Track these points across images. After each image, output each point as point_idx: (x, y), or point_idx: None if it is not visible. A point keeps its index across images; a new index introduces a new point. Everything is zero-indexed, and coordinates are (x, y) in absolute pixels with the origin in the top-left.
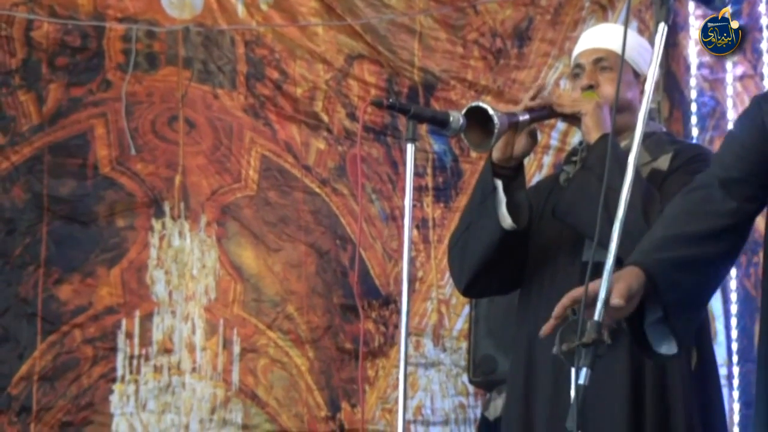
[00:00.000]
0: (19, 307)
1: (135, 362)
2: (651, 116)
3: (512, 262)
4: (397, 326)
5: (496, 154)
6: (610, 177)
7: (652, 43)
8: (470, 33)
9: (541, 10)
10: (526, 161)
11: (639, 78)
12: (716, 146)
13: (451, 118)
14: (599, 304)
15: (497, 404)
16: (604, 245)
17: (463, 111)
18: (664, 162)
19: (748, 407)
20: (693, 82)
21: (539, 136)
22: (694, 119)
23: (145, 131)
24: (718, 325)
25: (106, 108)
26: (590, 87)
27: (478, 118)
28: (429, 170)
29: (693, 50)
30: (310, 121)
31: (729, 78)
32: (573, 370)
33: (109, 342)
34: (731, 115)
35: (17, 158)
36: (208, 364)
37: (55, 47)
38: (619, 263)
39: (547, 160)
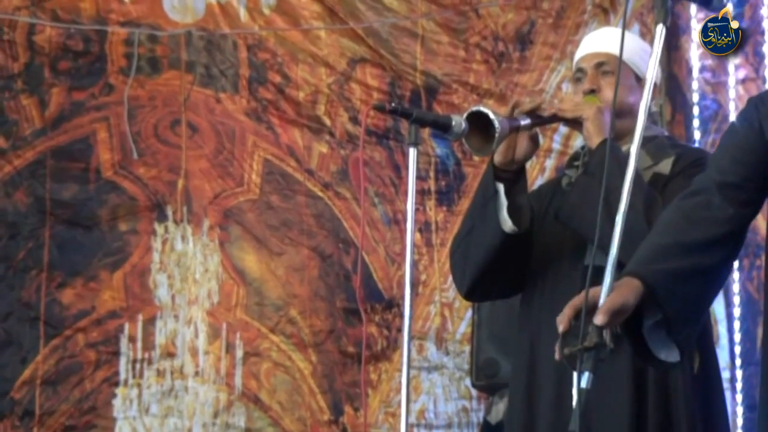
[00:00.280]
0: (22, 311)
1: (138, 366)
2: (653, 120)
3: (514, 265)
4: (400, 330)
5: (497, 157)
6: (611, 181)
7: (653, 45)
8: (472, 36)
9: (543, 13)
10: (528, 164)
11: (641, 82)
12: None
13: (453, 123)
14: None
15: (499, 408)
16: (606, 249)
17: (464, 115)
18: (665, 166)
19: (752, 410)
20: (695, 85)
21: (541, 140)
22: (696, 122)
23: (148, 135)
24: (721, 329)
25: (109, 112)
26: (592, 91)
27: (479, 123)
28: (432, 174)
29: (695, 53)
30: (313, 124)
31: (731, 81)
32: (575, 374)
33: (111, 346)
34: (733, 119)
35: (20, 162)
36: (210, 367)
37: (58, 51)
38: (620, 267)
39: (550, 163)
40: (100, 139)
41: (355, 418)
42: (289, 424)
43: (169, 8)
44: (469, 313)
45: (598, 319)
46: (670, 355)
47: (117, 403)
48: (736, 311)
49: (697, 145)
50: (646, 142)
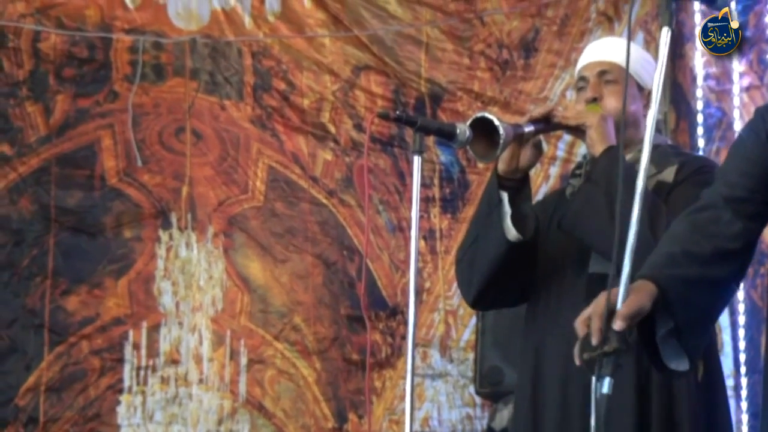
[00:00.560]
0: (27, 318)
1: (142, 373)
2: (657, 128)
3: (520, 274)
4: (404, 337)
5: (501, 166)
6: (616, 190)
7: (657, 54)
8: (477, 44)
9: (547, 21)
10: (532, 172)
11: (643, 92)
12: (722, 157)
13: (458, 131)
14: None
15: (503, 415)
16: (609, 257)
17: (469, 121)
18: (669, 174)
19: (756, 418)
20: (699, 93)
21: (545, 147)
22: (700, 130)
23: (152, 142)
24: (725, 336)
25: (113, 119)
26: (594, 100)
27: (483, 129)
28: (436, 181)
29: (699, 61)
30: (317, 132)
31: (735, 89)
32: (579, 381)
33: (116, 353)
34: (738, 126)
35: (24, 169)
36: (215, 375)
37: (63, 58)
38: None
39: (554, 170)
40: (105, 147)
41: (359, 425)
42: (293, 431)
43: (173, 15)
44: (474, 320)
45: (618, 324)
46: (680, 364)
47: (121, 410)
48: (741, 319)
49: (701, 152)
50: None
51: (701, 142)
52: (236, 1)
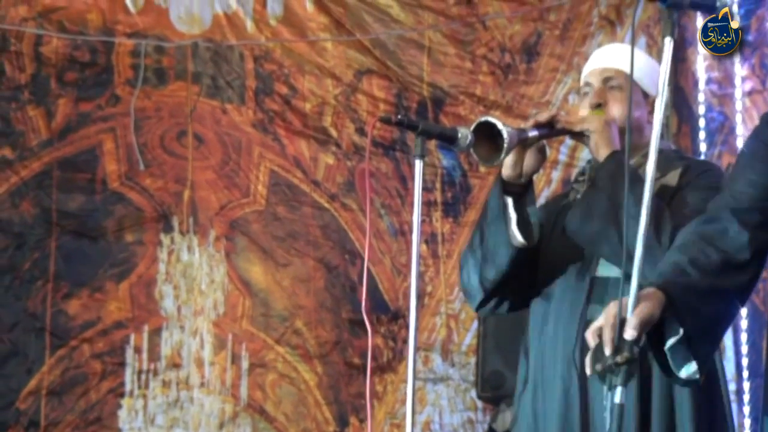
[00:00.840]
0: (28, 321)
1: (143, 377)
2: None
3: (524, 279)
4: (405, 341)
5: (505, 171)
6: (620, 195)
7: (660, 58)
8: (479, 48)
9: (549, 25)
10: (535, 176)
11: (647, 98)
12: (724, 161)
13: (460, 135)
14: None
15: (506, 417)
16: (612, 261)
17: (473, 126)
18: (673, 178)
19: (758, 423)
20: (701, 97)
21: (548, 152)
22: (702, 134)
23: (154, 146)
24: (727, 341)
25: (115, 123)
26: (598, 106)
27: (487, 133)
28: (438, 185)
29: (701, 65)
30: (319, 136)
31: (738, 93)
32: (580, 384)
33: (117, 357)
34: (740, 131)
35: (26, 173)
36: (216, 378)
37: (64, 62)
38: (628, 278)
39: (556, 175)
40: (107, 150)
41: (360, 429)
42: None
43: (175, 19)
44: (475, 324)
45: (629, 333)
46: (690, 372)
47: (122, 414)
48: (743, 323)
49: (703, 157)
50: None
51: (703, 147)
52: (238, 5)
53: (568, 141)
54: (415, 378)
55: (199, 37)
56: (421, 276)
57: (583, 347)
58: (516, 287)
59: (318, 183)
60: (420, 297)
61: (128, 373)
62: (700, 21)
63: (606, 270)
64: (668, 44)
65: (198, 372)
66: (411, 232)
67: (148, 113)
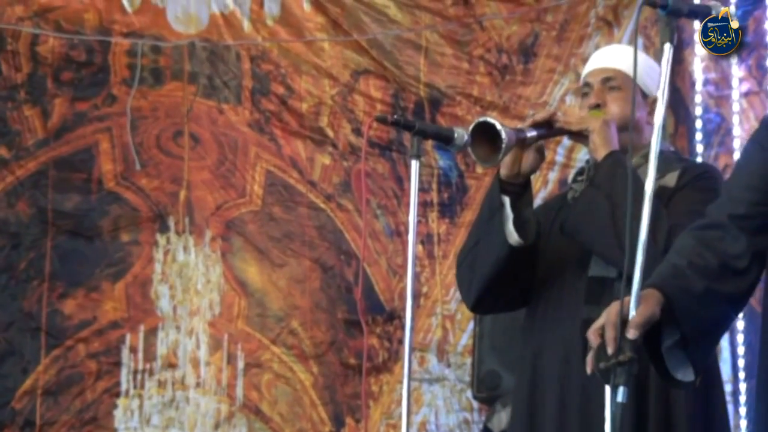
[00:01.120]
0: (24, 321)
1: (139, 377)
2: None
3: (520, 278)
4: (401, 341)
5: (503, 170)
6: (618, 195)
7: (657, 59)
8: (476, 49)
9: (546, 26)
10: (532, 177)
11: (647, 99)
12: (721, 163)
13: (456, 135)
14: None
15: (501, 417)
16: (609, 261)
17: (471, 126)
18: (671, 179)
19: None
20: (698, 98)
21: (545, 153)
22: (699, 135)
23: (150, 146)
24: (724, 342)
25: (111, 123)
26: (597, 106)
27: (485, 134)
28: (434, 186)
29: (698, 67)
30: (316, 136)
31: (735, 94)
32: (577, 384)
33: (113, 356)
34: (737, 132)
35: (22, 173)
36: (212, 379)
37: (61, 62)
38: (622, 278)
39: (553, 175)
40: (103, 150)
41: (356, 430)
42: None
43: (172, 19)
44: (471, 325)
45: (632, 333)
46: (686, 374)
47: (118, 413)
48: (739, 324)
49: (699, 158)
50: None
51: (700, 148)
52: (235, 5)
53: (566, 142)
54: (410, 378)
55: (196, 36)
56: (416, 277)
57: (585, 347)
58: (512, 287)
59: (314, 183)
60: (416, 297)
61: (124, 372)
62: (697, 22)
63: (602, 270)
64: (668, 50)
65: (194, 372)
66: (407, 232)
67: (145, 113)
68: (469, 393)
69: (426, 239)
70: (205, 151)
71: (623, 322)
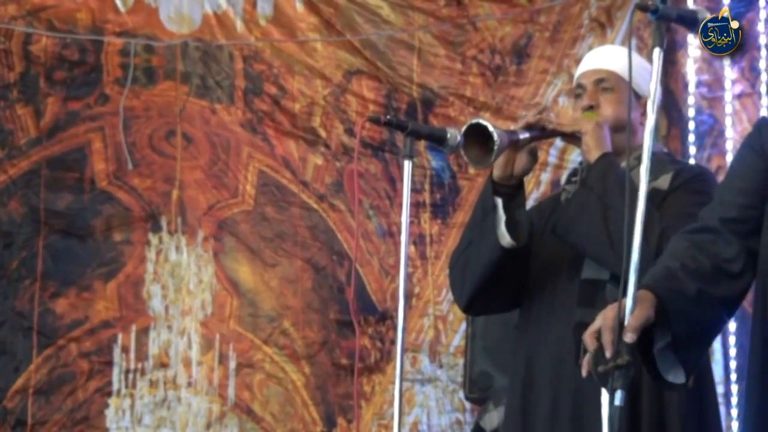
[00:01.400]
0: (15, 320)
1: (131, 376)
2: None
3: (512, 280)
4: (393, 342)
5: (496, 172)
6: (611, 196)
7: (650, 60)
8: (469, 49)
9: (539, 27)
10: (524, 179)
11: (640, 99)
12: (714, 164)
13: (449, 135)
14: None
15: (492, 416)
16: (601, 262)
17: (464, 128)
18: (664, 181)
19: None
20: (691, 100)
21: (538, 154)
22: (692, 137)
23: (143, 146)
24: (716, 343)
25: (104, 122)
26: (590, 107)
27: (478, 135)
28: (427, 186)
29: (691, 68)
30: (308, 136)
31: (728, 96)
32: (570, 386)
33: (104, 356)
34: (730, 134)
35: (14, 172)
36: (204, 378)
37: (54, 61)
38: (616, 280)
39: (546, 177)
40: (95, 149)
41: (348, 430)
42: None
43: (165, 19)
44: (463, 326)
45: (629, 336)
46: (677, 376)
47: (110, 413)
48: (731, 326)
49: (692, 160)
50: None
51: (692, 149)
52: (228, 5)
53: (558, 143)
54: (402, 379)
55: (189, 36)
56: (409, 277)
57: (578, 349)
58: (504, 288)
59: (306, 183)
60: (408, 298)
61: (115, 372)
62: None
63: (595, 272)
64: (657, 54)
65: (185, 372)
66: (399, 233)
67: (137, 112)
68: (461, 394)
69: (418, 240)
70: (197, 150)
71: (620, 325)
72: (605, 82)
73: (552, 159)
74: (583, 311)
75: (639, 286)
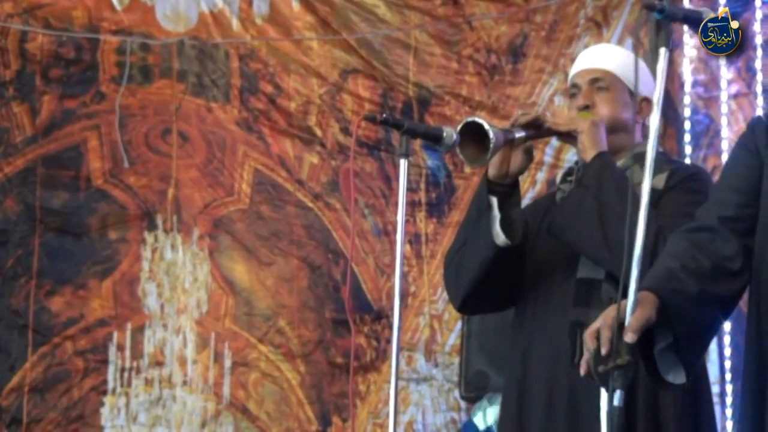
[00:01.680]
0: (11, 318)
1: (126, 375)
2: (645, 135)
3: (507, 279)
4: (389, 341)
5: (492, 171)
6: (606, 195)
7: (646, 60)
8: (465, 48)
9: (535, 26)
10: (520, 178)
11: (635, 98)
12: (710, 164)
13: (445, 134)
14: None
15: (487, 413)
16: (597, 262)
17: (459, 126)
18: (659, 181)
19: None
20: (687, 99)
21: (534, 153)
22: (687, 137)
23: (139, 144)
24: (711, 344)
25: (100, 120)
26: (586, 107)
27: (474, 134)
28: (422, 185)
29: (687, 68)
30: (304, 135)
31: (723, 96)
32: (565, 385)
33: (100, 354)
34: (725, 134)
35: (10, 170)
36: (199, 377)
37: (50, 59)
38: (612, 279)
39: (541, 176)
40: (91, 148)
41: (343, 429)
42: None
43: (161, 17)
44: (459, 325)
45: (629, 336)
46: (677, 377)
47: (105, 411)
48: (726, 326)
49: (688, 159)
50: (640, 157)
51: (688, 149)
52: (224, 4)
53: (554, 142)
54: (398, 378)
55: (185, 35)
56: (404, 276)
57: (573, 349)
58: (499, 287)
59: (302, 182)
60: (403, 297)
61: (111, 370)
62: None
63: (591, 272)
64: (663, 54)
65: (181, 370)
66: (395, 232)
67: (133, 111)
68: (456, 393)
69: (414, 239)
70: (193, 149)
71: (620, 325)
72: (600, 81)
73: (548, 158)
74: (578, 310)
75: (640, 287)
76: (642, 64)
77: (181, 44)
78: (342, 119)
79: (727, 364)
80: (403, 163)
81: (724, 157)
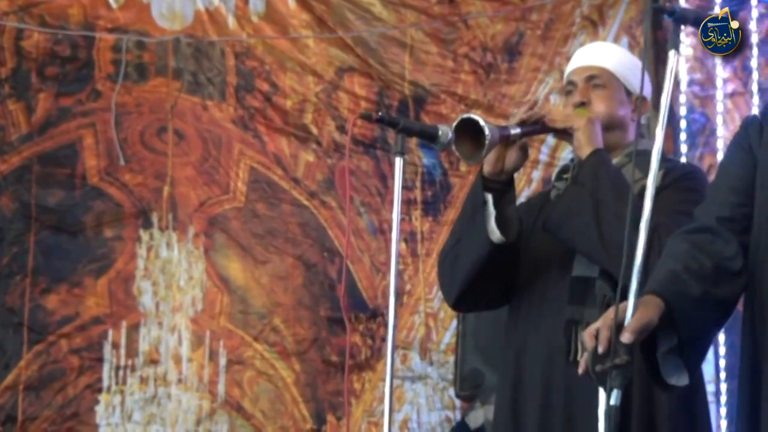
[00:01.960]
0: (6, 316)
1: (121, 373)
2: (641, 133)
3: (502, 276)
4: (384, 339)
5: (487, 168)
6: (602, 193)
7: (641, 57)
8: (461, 47)
9: (531, 25)
10: (515, 176)
11: (631, 96)
12: (706, 163)
13: (440, 132)
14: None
15: (478, 414)
16: (592, 259)
17: (455, 122)
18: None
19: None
20: (683, 98)
21: (529, 151)
22: (683, 136)
23: (134, 142)
24: None
25: (95, 118)
26: (582, 104)
27: (469, 130)
28: (418, 184)
29: (683, 67)
30: (300, 133)
31: (719, 95)
32: (560, 384)
33: (95, 352)
34: (721, 132)
35: (6, 167)
36: (194, 375)
37: (45, 57)
38: (608, 277)
39: (537, 174)
40: (87, 146)
41: (337, 427)
42: None
43: (157, 15)
44: (454, 323)
45: (626, 336)
46: (680, 379)
47: (100, 409)
48: None
49: (684, 158)
50: (636, 155)
51: (684, 148)
52: (220, 2)
53: (549, 140)
54: (393, 376)
55: (181, 33)
56: (399, 274)
57: (568, 347)
58: (494, 284)
59: (298, 180)
60: (399, 295)
61: (106, 368)
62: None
63: (586, 270)
64: (673, 57)
65: (176, 368)
66: (390, 230)
67: (129, 109)
68: (451, 391)
69: (409, 237)
70: (189, 147)
71: (620, 326)
72: (597, 78)
73: (543, 157)
74: (573, 308)
75: (644, 291)
76: (637, 62)
77: (177, 42)
78: (338, 117)
79: (722, 363)
80: (398, 162)
81: (720, 156)
